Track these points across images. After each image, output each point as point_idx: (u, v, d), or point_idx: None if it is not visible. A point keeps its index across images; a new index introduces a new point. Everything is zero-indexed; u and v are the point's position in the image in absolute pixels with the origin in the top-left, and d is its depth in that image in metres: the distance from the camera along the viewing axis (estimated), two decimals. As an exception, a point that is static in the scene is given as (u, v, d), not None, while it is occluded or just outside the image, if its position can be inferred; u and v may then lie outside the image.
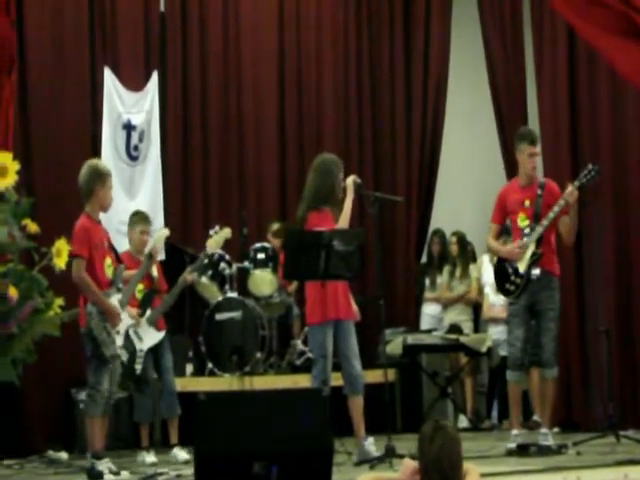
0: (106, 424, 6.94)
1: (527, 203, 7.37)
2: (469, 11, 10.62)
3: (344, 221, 7.02)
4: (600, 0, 6.19)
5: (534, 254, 7.27)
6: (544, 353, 7.33)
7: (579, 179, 7.22)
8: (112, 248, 7.06)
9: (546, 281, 7.32)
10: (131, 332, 7.63)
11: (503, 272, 7.43)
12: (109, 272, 6.87)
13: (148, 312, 7.80)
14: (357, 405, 7.00)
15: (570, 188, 7.16)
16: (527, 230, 7.31)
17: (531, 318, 7.39)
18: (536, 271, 7.27)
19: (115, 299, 6.84)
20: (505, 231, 7.87)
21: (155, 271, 8.02)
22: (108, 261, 6.88)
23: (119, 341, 6.84)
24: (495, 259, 7.76)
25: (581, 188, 7.21)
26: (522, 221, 7.38)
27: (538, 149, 7.51)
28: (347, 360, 6.98)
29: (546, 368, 7.38)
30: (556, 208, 7.20)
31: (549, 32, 9.42)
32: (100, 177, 6.86)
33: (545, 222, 7.24)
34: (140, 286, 7.81)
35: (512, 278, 7.35)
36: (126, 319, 6.97)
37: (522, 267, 7.30)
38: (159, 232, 7.93)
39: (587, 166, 7.32)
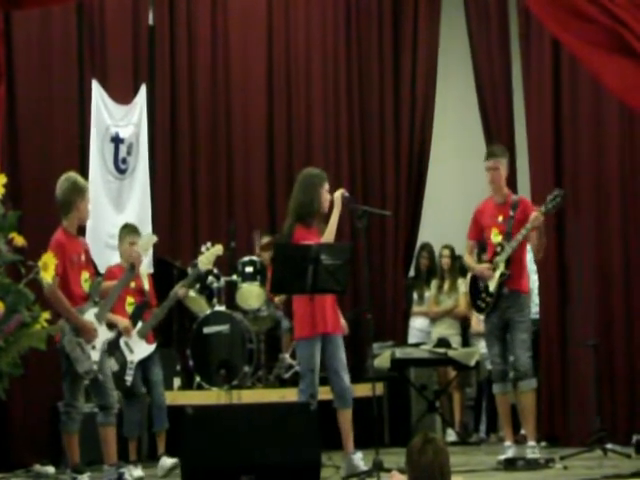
0: (114, 436, 6.93)
1: (500, 219, 7.52)
2: (457, 25, 10.65)
3: (330, 235, 7.00)
4: (586, 15, 6.18)
5: (502, 274, 7.42)
6: (520, 365, 7.37)
7: (545, 205, 7.34)
8: (90, 261, 6.99)
9: (513, 299, 7.44)
10: (122, 343, 7.63)
11: (476, 288, 7.60)
12: (86, 286, 6.76)
13: (139, 325, 7.78)
14: (346, 419, 6.99)
15: (535, 213, 7.29)
16: (499, 249, 7.45)
17: (505, 333, 7.51)
18: (504, 290, 7.43)
19: (91, 313, 6.71)
20: (480, 247, 8.01)
21: (147, 284, 7.99)
22: (85, 275, 6.79)
23: (95, 356, 6.67)
24: (469, 275, 7.89)
25: (547, 213, 7.35)
26: (495, 237, 7.52)
27: (489, 163, 7.60)
28: (336, 374, 6.97)
29: (523, 380, 7.39)
30: (523, 231, 7.35)
31: (536, 45, 9.41)
32: (80, 191, 6.81)
33: (514, 244, 7.39)
34: (130, 299, 7.80)
35: (483, 296, 7.53)
36: (103, 333, 6.78)
37: (492, 286, 7.47)
38: (145, 238, 7.71)
39: (553, 191, 7.44)
